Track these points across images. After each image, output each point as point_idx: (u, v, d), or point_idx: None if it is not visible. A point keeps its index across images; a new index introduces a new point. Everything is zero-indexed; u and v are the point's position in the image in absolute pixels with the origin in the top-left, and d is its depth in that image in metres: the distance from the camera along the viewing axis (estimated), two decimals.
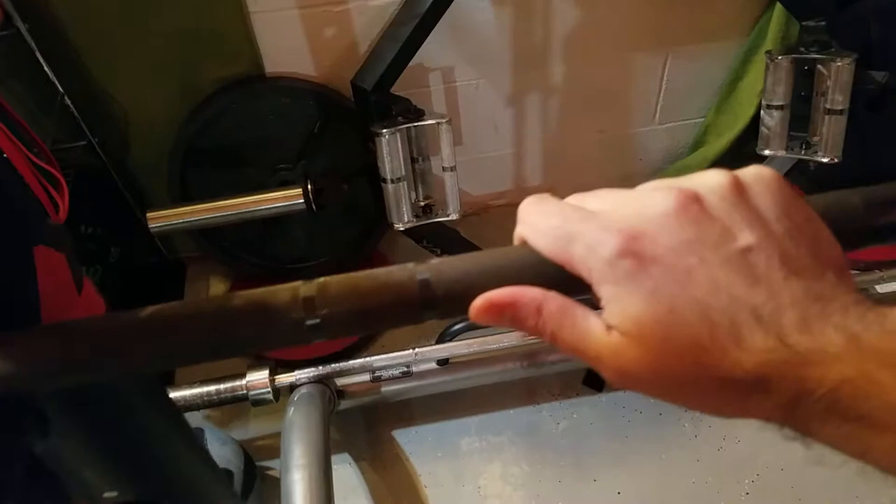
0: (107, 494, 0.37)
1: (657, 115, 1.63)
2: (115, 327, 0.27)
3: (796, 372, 0.24)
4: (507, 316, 0.28)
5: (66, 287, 0.30)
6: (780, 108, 1.29)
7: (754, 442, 1.25)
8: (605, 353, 0.26)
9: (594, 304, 0.27)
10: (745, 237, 0.26)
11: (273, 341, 0.29)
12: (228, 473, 1.12)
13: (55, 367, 0.26)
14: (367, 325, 0.30)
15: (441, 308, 0.29)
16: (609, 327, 0.26)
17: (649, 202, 0.27)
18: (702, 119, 1.63)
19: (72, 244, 0.31)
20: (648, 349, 0.25)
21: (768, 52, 1.27)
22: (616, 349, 0.26)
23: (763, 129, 1.33)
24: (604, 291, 0.26)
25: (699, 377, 0.25)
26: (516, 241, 0.31)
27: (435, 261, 0.30)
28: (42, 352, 0.26)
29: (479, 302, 0.28)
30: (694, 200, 0.26)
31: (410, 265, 0.30)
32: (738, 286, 0.25)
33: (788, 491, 1.18)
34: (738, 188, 0.27)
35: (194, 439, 0.42)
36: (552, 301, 0.28)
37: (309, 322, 0.28)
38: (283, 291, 0.29)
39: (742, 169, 0.29)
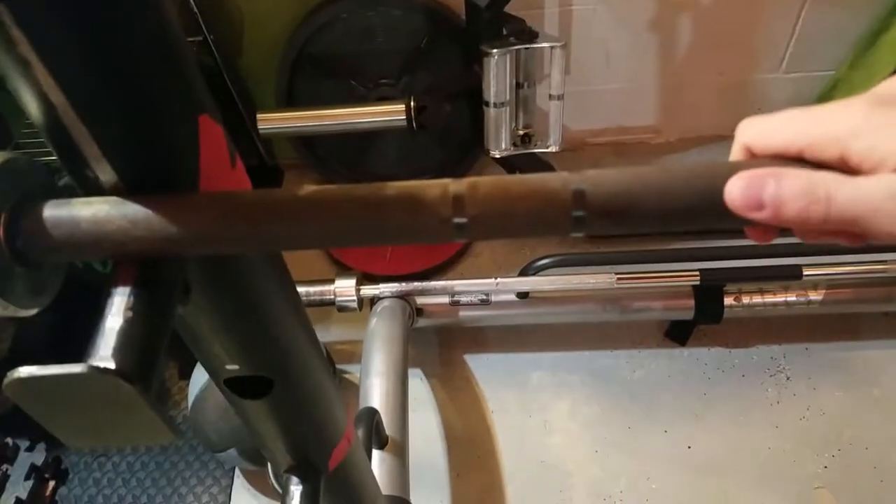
0: (228, 367, 0.38)
1: (784, 63, 1.51)
2: (275, 203, 0.27)
3: None
4: (769, 189, 0.26)
5: (223, 160, 0.30)
6: None
7: (841, 417, 1.20)
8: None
9: None
10: None
11: (419, 235, 0.29)
12: None
13: (214, 234, 0.27)
14: (513, 230, 0.29)
15: (592, 223, 0.28)
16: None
17: None
18: (832, 72, 1.50)
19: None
20: None
21: None
22: None
23: None
24: None
25: None
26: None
27: (592, 172, 0.28)
28: (204, 218, 0.26)
29: (738, 181, 0.27)
30: None
31: (566, 174, 0.28)
32: None
33: (870, 471, 1.13)
34: None
35: (310, 326, 0.43)
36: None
37: (456, 220, 0.28)
38: (433, 187, 0.28)
39: None
